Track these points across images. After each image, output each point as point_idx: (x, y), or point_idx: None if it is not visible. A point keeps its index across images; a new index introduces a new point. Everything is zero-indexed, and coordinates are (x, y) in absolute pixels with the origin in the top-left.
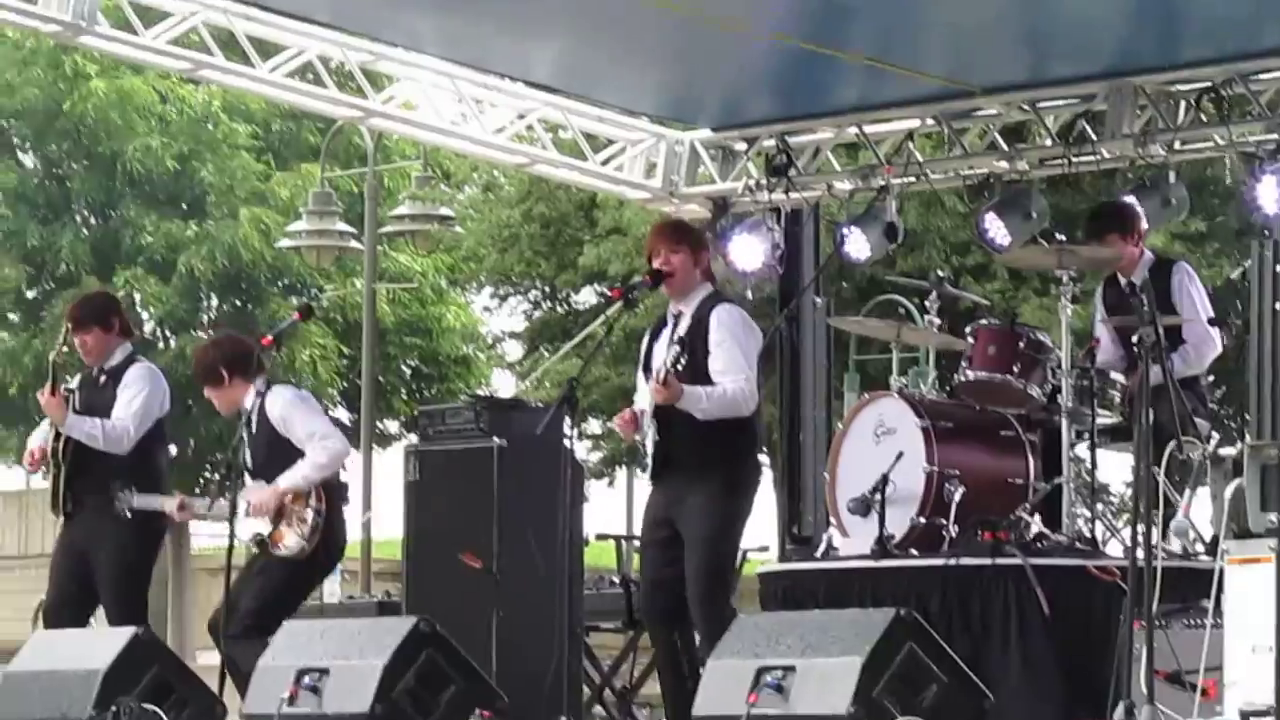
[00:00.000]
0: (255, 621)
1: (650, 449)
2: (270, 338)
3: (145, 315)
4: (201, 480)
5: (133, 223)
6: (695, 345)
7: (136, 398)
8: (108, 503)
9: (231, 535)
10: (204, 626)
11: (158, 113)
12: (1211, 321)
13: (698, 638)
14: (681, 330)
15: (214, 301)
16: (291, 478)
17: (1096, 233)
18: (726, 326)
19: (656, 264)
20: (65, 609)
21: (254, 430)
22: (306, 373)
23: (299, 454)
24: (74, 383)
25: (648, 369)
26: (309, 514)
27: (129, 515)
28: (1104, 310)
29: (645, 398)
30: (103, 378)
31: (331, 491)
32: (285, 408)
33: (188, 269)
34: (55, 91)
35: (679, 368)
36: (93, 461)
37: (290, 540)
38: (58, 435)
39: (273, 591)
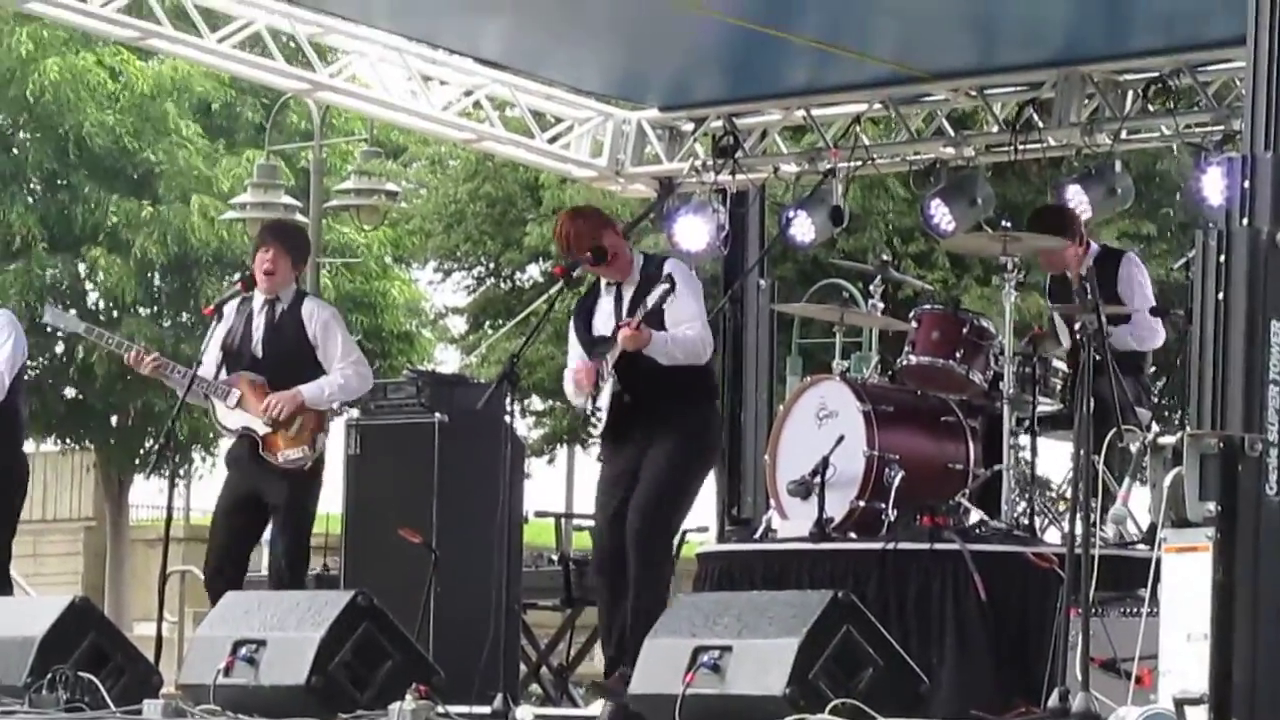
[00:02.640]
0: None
1: (607, 401)
2: (212, 308)
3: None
4: (143, 449)
5: (84, 198)
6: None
7: (4, 345)
8: None
9: (170, 506)
10: (141, 597)
11: (110, 91)
12: (1153, 311)
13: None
14: (633, 287)
15: (157, 282)
16: (315, 393)
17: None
18: (679, 277)
19: (596, 246)
20: None
21: (276, 322)
22: None
23: (313, 367)
24: None
25: (588, 338)
26: (320, 438)
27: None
28: (1050, 301)
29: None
30: None
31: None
32: (332, 320)
33: (141, 251)
34: (8, 59)
35: (664, 308)
36: None
37: (294, 453)
38: None
39: (308, 532)
